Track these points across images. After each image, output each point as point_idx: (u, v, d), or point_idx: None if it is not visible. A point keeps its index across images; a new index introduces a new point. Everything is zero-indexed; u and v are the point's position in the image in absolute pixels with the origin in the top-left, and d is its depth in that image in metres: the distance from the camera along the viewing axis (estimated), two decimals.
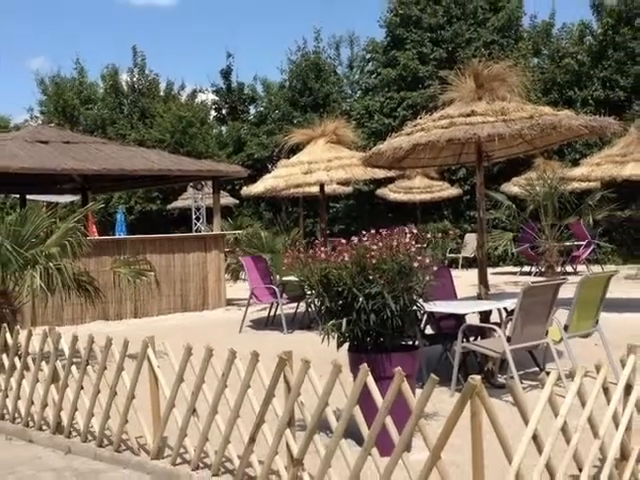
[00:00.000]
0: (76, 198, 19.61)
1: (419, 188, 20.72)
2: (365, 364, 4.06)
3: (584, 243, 17.69)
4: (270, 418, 4.43)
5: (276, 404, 4.39)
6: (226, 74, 31.35)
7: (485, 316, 7.33)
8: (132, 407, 5.15)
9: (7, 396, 6.22)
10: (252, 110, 31.53)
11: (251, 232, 16.99)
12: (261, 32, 56.11)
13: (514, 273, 18.33)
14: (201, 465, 4.79)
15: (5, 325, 6.53)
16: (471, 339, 7.08)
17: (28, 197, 18.63)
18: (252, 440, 4.47)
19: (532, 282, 6.61)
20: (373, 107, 23.88)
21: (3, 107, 64.32)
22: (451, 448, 3.66)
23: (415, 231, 5.24)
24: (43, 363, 5.85)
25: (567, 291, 6.93)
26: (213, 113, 32.22)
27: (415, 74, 23.04)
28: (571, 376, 4.03)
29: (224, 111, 31.93)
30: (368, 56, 27.92)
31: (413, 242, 5.10)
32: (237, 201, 24.66)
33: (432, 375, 3.68)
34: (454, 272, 9.86)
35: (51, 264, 7.85)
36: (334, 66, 30.73)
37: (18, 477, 5.01)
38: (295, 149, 12.28)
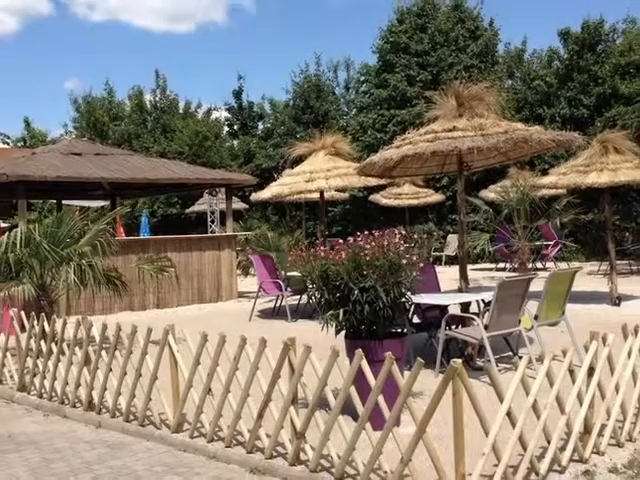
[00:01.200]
0: (106, 203, 19.60)
1: (407, 194, 20.71)
2: (360, 349, 4.06)
3: (552, 243, 17.68)
4: (276, 397, 4.43)
5: (281, 384, 4.40)
6: (237, 94, 31.40)
7: (465, 307, 7.33)
8: (155, 387, 5.16)
9: (45, 377, 6.23)
10: (260, 126, 31.58)
11: (259, 233, 16.97)
12: (268, 57, 56.08)
13: (491, 269, 18.34)
14: (215, 438, 4.80)
15: (43, 315, 6.54)
16: (453, 327, 7.07)
17: (63, 202, 18.62)
18: (260, 416, 4.48)
19: (506, 277, 6.61)
20: (367, 123, 23.86)
21: (42, 123, 64.22)
22: (435, 423, 3.66)
23: (404, 232, 5.23)
24: (77, 348, 5.86)
25: (537, 285, 6.94)
26: (226, 128, 32.25)
27: (404, 94, 23.01)
28: (541, 360, 4.04)
29: (235, 127, 31.96)
30: (362, 78, 27.91)
31: (402, 242, 5.09)
32: (247, 206, 24.64)
33: (418, 359, 3.68)
34: (438, 268, 9.84)
35: (84, 261, 7.86)
36: (332, 87, 30.72)
37: (55, 448, 5.02)
38: (298, 160, 12.27)
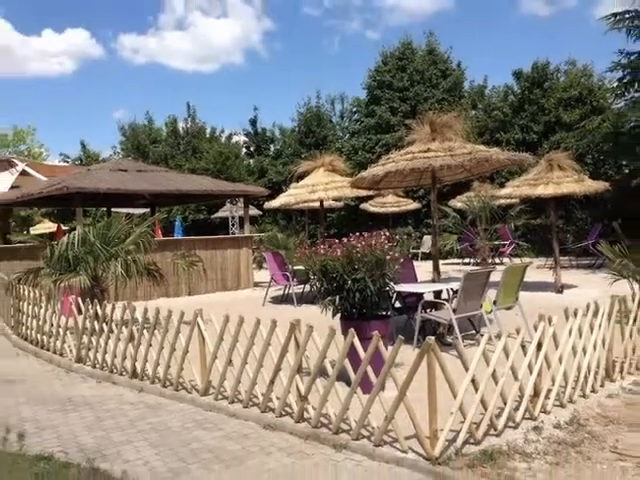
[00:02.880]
0: (147, 210, 19.55)
1: (391, 203, 20.69)
2: (352, 328, 4.07)
3: (508, 242, 17.66)
4: (284, 367, 4.44)
5: (289, 356, 4.40)
6: (253, 122, 31.38)
7: (437, 294, 7.33)
8: (186, 359, 5.17)
9: (97, 351, 6.24)
10: (271, 147, 31.51)
11: (271, 234, 16.96)
12: (278, 92, 56.03)
13: (458, 263, 18.30)
14: (235, 400, 4.80)
15: (96, 300, 6.55)
16: (427, 310, 7.08)
17: (112, 209, 18.59)
18: (272, 382, 4.49)
19: (471, 270, 6.62)
20: (358, 146, 23.85)
21: (95, 145, 63.84)
22: (413, 388, 3.66)
23: (387, 234, 5.24)
24: (123, 328, 5.87)
25: (496, 276, 6.93)
26: (244, 150, 32.15)
27: (388, 122, 22.99)
28: (498, 337, 4.04)
29: (252, 148, 31.89)
30: (354, 109, 27.90)
31: (386, 242, 5.10)
32: (261, 212, 24.63)
33: (400, 336, 3.69)
34: (415, 263, 9.83)
35: (129, 257, 7.86)
36: (330, 116, 30.63)
37: (106, 408, 5.03)
38: (302, 175, 12.26)
